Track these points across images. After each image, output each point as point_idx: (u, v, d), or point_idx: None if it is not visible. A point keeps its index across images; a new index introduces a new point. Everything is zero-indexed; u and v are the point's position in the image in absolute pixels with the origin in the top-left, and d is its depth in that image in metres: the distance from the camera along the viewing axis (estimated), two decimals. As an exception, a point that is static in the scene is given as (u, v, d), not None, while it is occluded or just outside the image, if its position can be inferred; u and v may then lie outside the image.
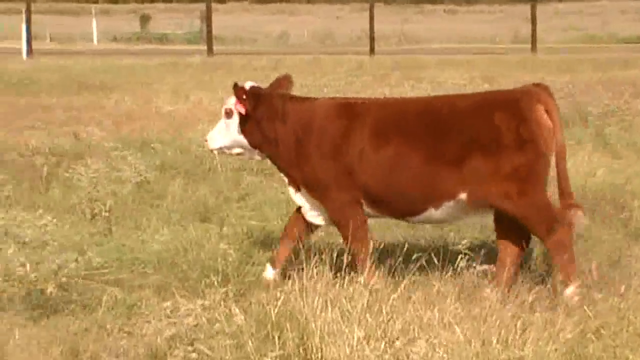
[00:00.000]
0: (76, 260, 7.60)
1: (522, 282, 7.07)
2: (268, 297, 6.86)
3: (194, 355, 5.93)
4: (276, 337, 6.01)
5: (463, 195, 7.38)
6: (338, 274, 6.69)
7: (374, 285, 6.80)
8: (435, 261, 7.20)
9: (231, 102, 7.83)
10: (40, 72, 23.29)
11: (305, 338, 5.95)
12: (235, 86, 7.77)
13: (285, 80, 8.04)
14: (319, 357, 5.85)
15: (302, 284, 6.47)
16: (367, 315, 6.06)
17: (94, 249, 8.39)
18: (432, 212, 7.52)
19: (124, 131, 14.31)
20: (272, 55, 31.12)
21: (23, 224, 8.38)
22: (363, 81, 20.46)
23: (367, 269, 7.27)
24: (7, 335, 6.52)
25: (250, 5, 75.33)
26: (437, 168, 7.39)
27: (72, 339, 6.39)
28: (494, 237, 8.51)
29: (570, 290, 7.13)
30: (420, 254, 7.31)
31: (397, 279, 7.06)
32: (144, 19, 53.14)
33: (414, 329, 5.97)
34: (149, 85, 20.79)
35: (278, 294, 6.85)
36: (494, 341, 5.91)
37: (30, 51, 32.33)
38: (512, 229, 7.50)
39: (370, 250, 7.49)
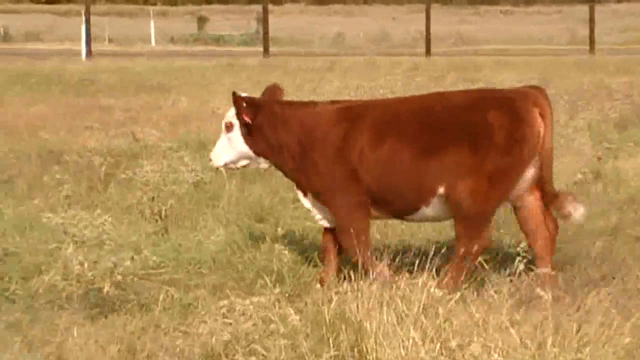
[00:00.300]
0: (132, 258, 7.67)
1: (579, 284, 7.01)
2: (323, 297, 6.87)
3: (248, 355, 5.95)
4: (331, 338, 6.01)
5: (441, 190, 7.38)
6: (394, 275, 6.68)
7: (389, 281, 6.90)
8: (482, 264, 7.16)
9: (230, 115, 7.84)
10: (98, 73, 23.53)
11: (359, 339, 5.95)
12: (235, 96, 7.78)
13: (276, 90, 8.05)
14: (374, 358, 5.85)
15: (358, 285, 6.48)
16: (423, 317, 6.04)
17: (150, 249, 8.46)
18: (424, 210, 7.52)
19: (181, 132, 14.41)
20: (327, 56, 31.14)
21: (81, 224, 8.47)
22: (418, 82, 20.39)
23: (374, 266, 7.33)
24: (66, 333, 6.59)
25: (306, 7, 75.44)
26: (427, 164, 7.40)
27: (129, 337, 6.43)
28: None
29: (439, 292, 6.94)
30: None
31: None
32: (201, 21, 53.42)
33: (469, 332, 5.94)
34: (206, 87, 20.91)
35: (333, 295, 6.87)
36: (550, 344, 5.87)
37: (89, 52, 32.68)
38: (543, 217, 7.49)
39: (369, 254, 7.49)
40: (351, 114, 7.68)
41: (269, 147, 7.79)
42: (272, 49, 34.44)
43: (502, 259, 8.01)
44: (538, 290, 6.81)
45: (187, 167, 10.79)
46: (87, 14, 34.39)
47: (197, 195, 10.40)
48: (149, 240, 8.88)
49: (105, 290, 7.37)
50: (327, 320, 6.17)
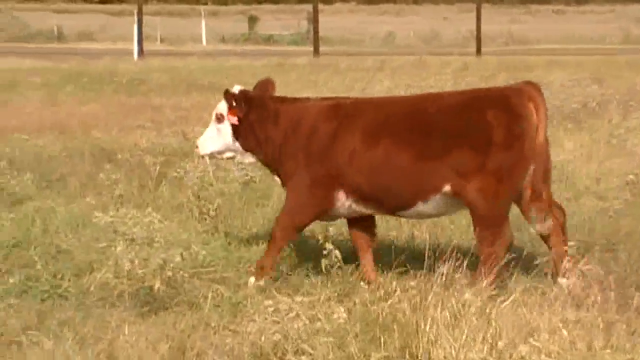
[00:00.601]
0: (181, 255, 7.72)
1: (629, 284, 6.95)
2: (372, 297, 6.87)
3: (297, 355, 5.97)
4: (381, 338, 6.01)
5: (447, 188, 7.42)
6: (445, 276, 6.66)
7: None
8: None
9: (222, 106, 7.86)
10: (150, 73, 23.69)
11: (410, 340, 5.94)
12: (227, 93, 7.81)
13: (268, 83, 8.06)
14: (426, 359, 5.83)
15: (409, 285, 6.47)
16: (474, 318, 6.02)
17: (200, 247, 8.51)
18: (422, 207, 7.56)
19: (231, 131, 14.44)
20: (377, 56, 31.10)
21: (131, 222, 8.54)
22: (468, 82, 20.30)
23: (273, 255, 7.72)
24: (117, 331, 6.65)
25: (356, 6, 75.39)
26: (427, 164, 7.44)
27: (179, 335, 6.47)
28: (600, 240, 8.41)
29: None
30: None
31: (506, 283, 7.02)
32: (252, 20, 53.58)
33: (520, 333, 5.91)
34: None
35: (382, 295, 6.86)
36: (599, 345, 5.82)
37: (141, 52, 32.93)
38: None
39: (283, 247, 7.81)
40: (342, 112, 7.73)
41: (257, 142, 7.84)
42: (322, 48, 34.45)
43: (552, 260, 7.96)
44: (560, 279, 6.78)
45: (237, 166, 10.83)
46: (140, 14, 34.65)
47: (247, 194, 10.44)
48: (199, 238, 8.92)
49: (156, 287, 7.42)
50: (380, 321, 6.17)
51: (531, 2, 73.20)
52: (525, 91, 7.54)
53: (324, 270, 7.61)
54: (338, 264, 7.39)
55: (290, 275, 8.04)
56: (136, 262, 7.66)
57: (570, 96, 17.39)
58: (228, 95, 7.84)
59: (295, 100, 8.08)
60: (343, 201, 7.71)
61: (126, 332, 6.57)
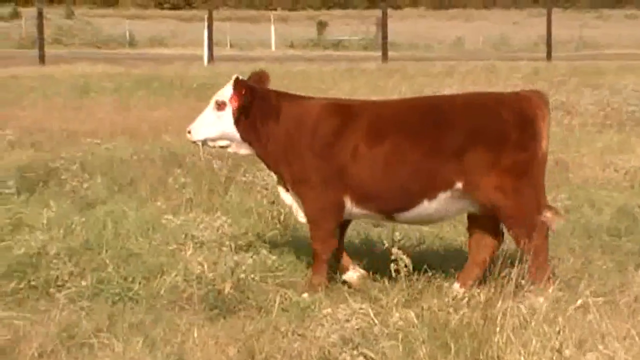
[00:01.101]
0: (252, 259, 7.76)
1: None
2: (440, 303, 6.84)
3: (361, 358, 5.96)
4: (452, 345, 5.98)
5: (459, 185, 7.47)
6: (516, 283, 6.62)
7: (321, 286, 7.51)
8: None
9: (226, 94, 7.79)
10: (219, 78, 23.81)
11: (481, 346, 5.90)
12: (237, 80, 7.78)
13: (262, 75, 8.02)
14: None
15: (477, 292, 6.44)
16: (545, 325, 5.97)
17: (268, 251, 8.55)
18: (427, 205, 7.59)
19: (300, 136, 14.48)
20: (446, 61, 30.99)
21: (201, 225, 8.60)
22: (539, 87, 20.12)
23: (321, 271, 7.71)
24: (186, 334, 6.70)
25: (425, 11, 75.19)
26: (436, 159, 7.49)
27: (247, 339, 6.50)
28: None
29: (541, 295, 6.95)
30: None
31: (576, 289, 6.95)
32: (321, 26, 53.75)
33: (591, 340, 5.84)
34: (325, 91, 20.99)
35: (451, 301, 6.83)
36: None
37: (211, 57, 33.20)
38: (487, 230, 7.63)
39: (328, 258, 7.77)
40: (346, 112, 7.73)
41: (256, 135, 7.82)
42: (390, 53, 34.44)
43: (624, 267, 7.88)
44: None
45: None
46: (210, 19, 34.95)
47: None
48: (267, 242, 8.97)
49: (226, 291, 7.46)
50: (448, 326, 6.14)
51: (603, 7, 72.39)
52: (534, 99, 7.67)
53: (392, 275, 7.59)
54: (406, 269, 7.38)
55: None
56: (206, 265, 7.71)
57: (642, 102, 17.17)
58: (237, 84, 7.80)
59: (296, 97, 8.09)
60: (349, 203, 7.74)
61: (195, 335, 6.62)
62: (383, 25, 35.79)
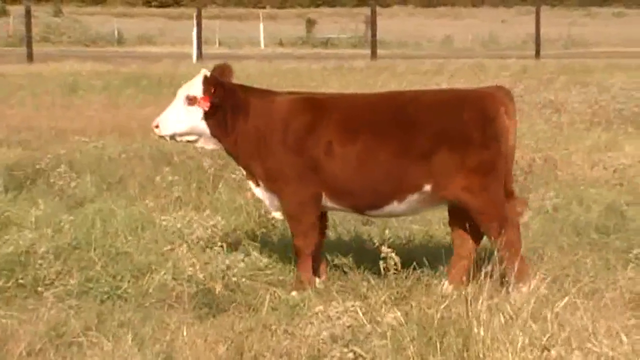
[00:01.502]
0: (243, 260, 7.75)
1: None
2: (429, 301, 6.85)
3: (353, 357, 5.97)
4: (438, 342, 5.99)
5: (428, 188, 7.52)
6: (503, 280, 6.64)
7: (318, 285, 7.57)
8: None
9: (196, 89, 7.74)
10: (208, 76, 23.79)
11: (468, 344, 5.91)
12: (206, 78, 7.73)
13: (225, 69, 7.95)
14: (482, 363, 5.81)
15: (466, 290, 6.44)
16: (531, 322, 5.98)
17: (258, 250, 8.55)
18: (396, 206, 7.63)
19: (289, 134, 14.47)
20: (435, 59, 31.03)
21: (192, 224, 8.59)
22: (527, 85, 20.18)
23: (306, 267, 7.69)
24: (176, 332, 6.69)
25: (414, 9, 75.23)
26: (404, 162, 7.52)
27: (237, 338, 6.50)
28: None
29: (524, 290, 7.03)
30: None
31: (564, 286, 6.97)
32: (310, 24, 53.74)
33: (578, 338, 5.85)
34: (314, 89, 21.01)
35: (440, 299, 6.84)
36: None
37: (200, 55, 33.18)
38: (469, 224, 7.63)
39: (311, 253, 7.74)
40: (317, 107, 7.73)
41: (226, 130, 7.79)
42: (379, 51, 34.46)
43: (612, 265, 7.90)
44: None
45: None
46: (199, 17, 34.92)
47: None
48: (257, 241, 8.97)
49: (217, 291, 7.46)
50: (435, 324, 6.15)
51: (591, 5, 72.55)
52: (497, 95, 7.67)
53: (382, 273, 7.60)
54: (395, 266, 7.38)
55: (348, 278, 8.05)
56: (197, 265, 7.71)
57: (631, 99, 17.22)
58: (207, 81, 7.75)
59: (265, 92, 8.07)
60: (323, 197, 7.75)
61: (184, 334, 6.61)
62: (372, 23, 35.81)
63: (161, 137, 7.92)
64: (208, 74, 7.80)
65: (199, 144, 7.98)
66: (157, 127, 7.85)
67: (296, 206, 7.73)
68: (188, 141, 7.97)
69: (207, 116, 7.77)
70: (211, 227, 8.23)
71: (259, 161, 7.76)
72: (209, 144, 7.94)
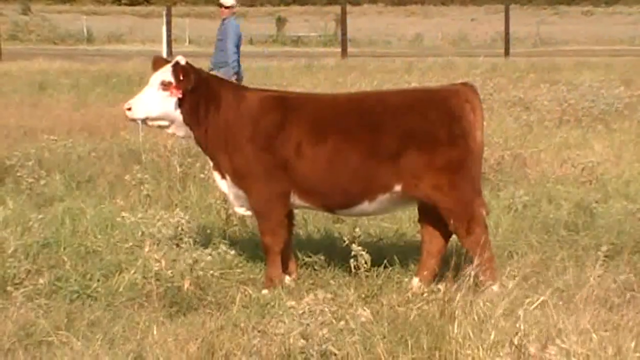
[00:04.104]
0: (210, 255, 7.74)
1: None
2: (399, 299, 6.86)
3: (324, 356, 5.96)
4: (410, 341, 6.00)
5: (398, 188, 7.53)
6: (474, 279, 6.65)
7: (285, 282, 7.58)
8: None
9: (171, 75, 7.69)
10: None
11: (439, 342, 5.92)
12: (177, 65, 7.70)
13: (162, 64, 7.88)
14: (454, 360, 5.82)
15: (437, 289, 6.46)
16: (502, 319, 6.00)
17: (228, 248, 8.53)
18: (367, 205, 7.66)
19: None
20: (405, 57, 31.09)
21: (160, 222, 8.56)
22: (497, 83, 20.25)
23: (275, 265, 7.71)
24: (146, 331, 6.67)
25: (384, 8, 75.32)
26: (373, 162, 7.53)
27: (207, 336, 6.48)
28: (629, 242, 8.36)
29: (495, 288, 7.11)
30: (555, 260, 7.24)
31: (534, 284, 7.00)
32: (280, 22, 53.70)
33: (549, 335, 5.88)
34: (284, 87, 21.01)
35: (410, 297, 6.85)
36: (629, 348, 5.78)
37: (170, 53, 32.99)
38: (438, 221, 7.64)
39: (280, 250, 7.75)
40: (288, 105, 7.74)
41: (197, 121, 7.78)
42: (350, 50, 34.50)
43: (581, 262, 7.94)
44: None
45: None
46: (168, 16, 34.75)
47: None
48: (226, 239, 8.95)
49: (185, 288, 7.43)
50: (408, 323, 6.16)
51: (560, 3, 72.92)
52: (462, 92, 7.67)
53: (352, 271, 7.60)
54: (365, 265, 7.39)
55: (318, 276, 8.05)
56: (164, 262, 7.68)
57: (599, 98, 17.32)
58: (178, 68, 7.72)
59: (237, 87, 8.05)
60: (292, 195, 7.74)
61: (155, 333, 6.59)
62: (342, 21, 35.82)
63: (132, 120, 7.87)
64: (184, 61, 7.77)
65: (170, 130, 7.94)
66: (129, 109, 7.79)
67: (264, 203, 7.72)
68: (159, 126, 7.93)
69: (181, 103, 7.74)
70: (179, 224, 8.20)
71: (227, 155, 7.75)
72: (180, 131, 7.90)
